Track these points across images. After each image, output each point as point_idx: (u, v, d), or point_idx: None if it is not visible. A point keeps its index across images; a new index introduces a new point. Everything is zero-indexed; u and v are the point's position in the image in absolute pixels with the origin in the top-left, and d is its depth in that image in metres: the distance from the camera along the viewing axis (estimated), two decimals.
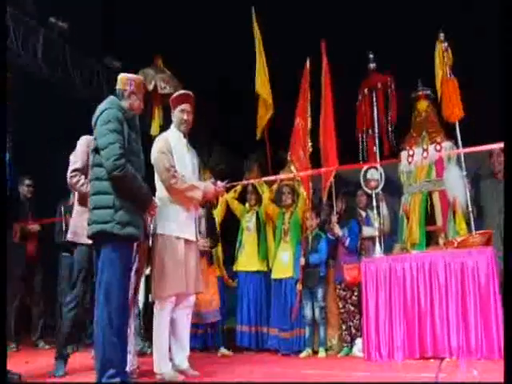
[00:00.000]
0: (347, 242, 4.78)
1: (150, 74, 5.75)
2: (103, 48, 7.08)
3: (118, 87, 3.22)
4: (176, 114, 3.80)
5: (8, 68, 3.35)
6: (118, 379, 2.77)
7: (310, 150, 4.93)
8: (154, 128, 5.91)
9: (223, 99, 6.95)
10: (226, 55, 6.67)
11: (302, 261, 4.72)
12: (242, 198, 5.62)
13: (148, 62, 5.94)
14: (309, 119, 4.98)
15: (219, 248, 5.26)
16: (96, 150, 3.00)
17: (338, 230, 4.80)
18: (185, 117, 3.76)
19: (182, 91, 3.87)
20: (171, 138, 3.73)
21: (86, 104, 6.69)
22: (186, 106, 3.76)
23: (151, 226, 3.54)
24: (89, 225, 2.97)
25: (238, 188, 5.67)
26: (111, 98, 3.18)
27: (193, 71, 6.46)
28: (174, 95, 3.83)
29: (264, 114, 5.70)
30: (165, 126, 5.47)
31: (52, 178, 4.94)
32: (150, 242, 3.56)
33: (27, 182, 5.49)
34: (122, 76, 3.27)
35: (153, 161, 3.64)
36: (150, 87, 5.62)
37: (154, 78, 5.75)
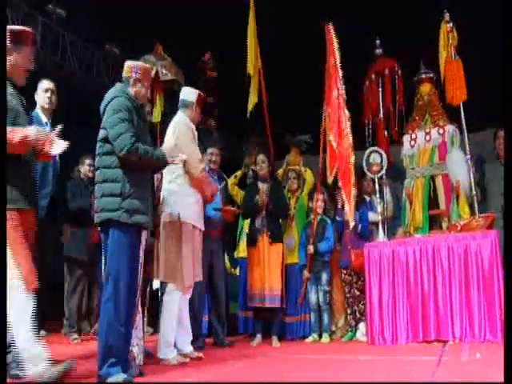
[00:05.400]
0: (359, 229, 4.75)
1: (150, 60, 5.70)
2: (103, 35, 7.03)
3: (124, 75, 3.20)
4: (197, 113, 3.87)
5: None
6: (119, 368, 2.76)
7: (347, 130, 4.32)
8: (156, 115, 5.88)
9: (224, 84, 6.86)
10: (224, 38, 6.59)
11: (311, 249, 4.67)
12: (242, 184, 5.59)
13: (148, 49, 5.89)
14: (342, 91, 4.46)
15: None
16: (105, 140, 2.98)
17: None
18: (200, 118, 3.99)
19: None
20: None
21: (86, 90, 6.68)
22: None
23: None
24: (96, 212, 2.98)
25: (238, 173, 5.66)
26: (119, 85, 3.17)
27: (192, 56, 6.41)
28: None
29: (253, 92, 5.67)
30: (166, 113, 5.46)
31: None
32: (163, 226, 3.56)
33: (88, 161, 5.27)
34: (127, 63, 3.24)
35: (181, 147, 3.59)
36: (152, 74, 5.57)
37: (155, 65, 5.69)
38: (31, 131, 2.66)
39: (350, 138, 4.31)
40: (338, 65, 4.50)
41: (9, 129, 2.60)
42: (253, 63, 5.60)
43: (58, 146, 2.72)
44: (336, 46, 4.61)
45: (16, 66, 2.79)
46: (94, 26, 6.81)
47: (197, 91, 3.90)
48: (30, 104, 3.72)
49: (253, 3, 5.67)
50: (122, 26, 6.66)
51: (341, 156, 4.36)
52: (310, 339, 4.66)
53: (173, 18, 6.19)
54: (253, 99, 5.62)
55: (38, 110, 3.84)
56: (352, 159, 4.28)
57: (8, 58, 2.73)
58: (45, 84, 3.97)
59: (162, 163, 3.15)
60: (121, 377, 2.72)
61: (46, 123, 3.64)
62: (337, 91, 4.47)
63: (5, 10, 3.23)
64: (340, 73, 4.48)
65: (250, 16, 5.70)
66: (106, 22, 6.75)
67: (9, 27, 2.78)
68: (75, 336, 5.02)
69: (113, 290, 2.83)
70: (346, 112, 4.38)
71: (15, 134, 2.62)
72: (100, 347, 2.81)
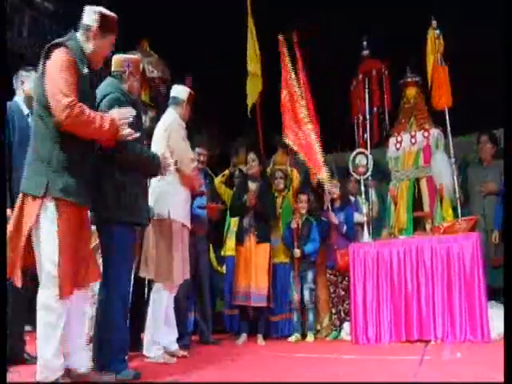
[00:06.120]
0: (344, 230, 4.81)
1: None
2: None
3: (114, 69, 3.11)
4: (187, 111, 3.85)
5: None
6: (126, 364, 2.78)
7: (306, 119, 4.59)
8: None
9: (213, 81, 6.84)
10: (214, 36, 6.57)
11: (298, 253, 4.66)
12: (229, 183, 5.60)
13: (134, 45, 5.85)
14: (295, 88, 4.75)
15: None
16: None
17: (334, 219, 4.81)
18: (190, 116, 3.93)
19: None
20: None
21: None
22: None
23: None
24: (91, 211, 2.91)
25: (226, 173, 5.66)
26: (111, 80, 3.08)
27: (179, 53, 6.37)
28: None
29: (254, 91, 5.67)
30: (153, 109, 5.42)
31: None
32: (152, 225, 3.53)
33: None
34: (117, 57, 3.14)
35: (173, 145, 3.58)
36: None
37: (141, 62, 5.66)
38: (115, 113, 2.60)
39: (310, 125, 4.54)
40: (290, 71, 4.77)
41: (97, 115, 2.50)
42: (257, 62, 5.60)
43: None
44: (287, 56, 4.86)
45: (96, 52, 2.67)
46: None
47: (188, 89, 3.88)
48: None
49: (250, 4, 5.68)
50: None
51: (307, 145, 4.52)
52: (292, 338, 4.68)
53: (165, 13, 6.12)
54: (253, 98, 5.62)
55: (18, 99, 3.53)
56: (317, 144, 4.48)
57: (92, 41, 2.62)
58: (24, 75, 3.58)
59: (155, 167, 3.07)
60: (130, 373, 2.74)
61: (28, 114, 3.43)
62: (285, 91, 4.77)
63: (5, 11, 3.11)
64: (292, 75, 4.76)
65: (249, 17, 5.70)
66: None
67: (99, 9, 2.66)
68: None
69: (114, 288, 2.81)
70: (302, 102, 4.64)
71: (105, 120, 2.52)
72: (105, 345, 2.78)
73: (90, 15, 2.64)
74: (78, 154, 2.54)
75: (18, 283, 2.44)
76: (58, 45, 2.52)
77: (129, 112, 2.65)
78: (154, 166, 3.06)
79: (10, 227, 2.46)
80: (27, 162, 2.53)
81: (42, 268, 2.43)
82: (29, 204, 2.45)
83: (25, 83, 3.52)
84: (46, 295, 2.42)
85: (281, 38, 4.93)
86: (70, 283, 2.46)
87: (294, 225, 4.71)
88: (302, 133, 4.57)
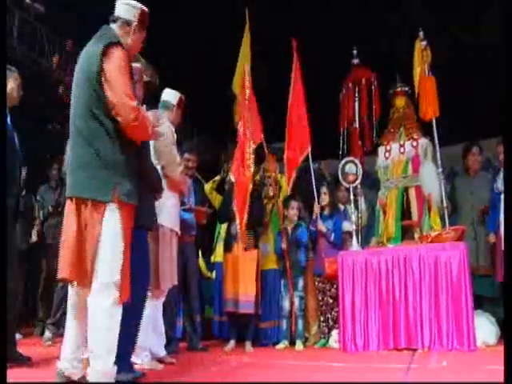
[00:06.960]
0: (332, 238, 4.82)
1: None
2: (79, 32, 6.93)
3: None
4: (177, 115, 3.84)
5: None
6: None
7: (251, 165, 4.67)
8: None
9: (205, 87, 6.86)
10: (208, 42, 6.59)
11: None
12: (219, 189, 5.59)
13: None
14: (248, 131, 4.75)
15: None
16: None
17: (322, 227, 4.83)
18: (179, 121, 3.90)
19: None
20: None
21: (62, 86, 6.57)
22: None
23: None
24: None
25: (217, 179, 5.65)
26: None
27: (171, 59, 6.39)
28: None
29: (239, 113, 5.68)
30: None
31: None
32: None
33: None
34: None
35: (159, 146, 3.52)
36: None
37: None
38: (151, 117, 2.59)
39: (252, 169, 4.65)
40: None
41: (149, 113, 2.50)
42: (240, 83, 5.60)
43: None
44: (248, 84, 4.83)
45: (133, 47, 2.66)
46: (72, 22, 6.71)
47: (178, 94, 3.88)
48: None
49: (248, 26, 5.70)
50: (100, 22, 6.57)
51: (241, 184, 4.58)
52: (280, 346, 4.68)
53: (157, 19, 6.13)
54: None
55: None
56: (249, 189, 4.59)
57: (131, 36, 2.59)
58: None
59: (158, 183, 3.10)
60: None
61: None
62: (243, 127, 4.79)
63: (5, 12, 3.06)
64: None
65: (245, 36, 5.72)
66: (84, 19, 6.66)
67: (138, 4, 2.64)
68: (49, 335, 4.85)
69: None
70: (252, 144, 4.70)
71: (149, 123, 2.49)
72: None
73: (131, 10, 2.62)
74: (133, 155, 2.52)
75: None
76: (115, 44, 2.46)
77: (161, 116, 2.65)
78: (156, 182, 3.07)
79: (70, 234, 2.38)
80: (80, 165, 2.42)
81: (101, 273, 2.35)
82: (89, 210, 2.37)
83: (8, 82, 3.43)
84: (110, 301, 2.35)
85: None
86: (127, 288, 2.41)
87: (284, 246, 4.74)
88: (243, 174, 4.65)
